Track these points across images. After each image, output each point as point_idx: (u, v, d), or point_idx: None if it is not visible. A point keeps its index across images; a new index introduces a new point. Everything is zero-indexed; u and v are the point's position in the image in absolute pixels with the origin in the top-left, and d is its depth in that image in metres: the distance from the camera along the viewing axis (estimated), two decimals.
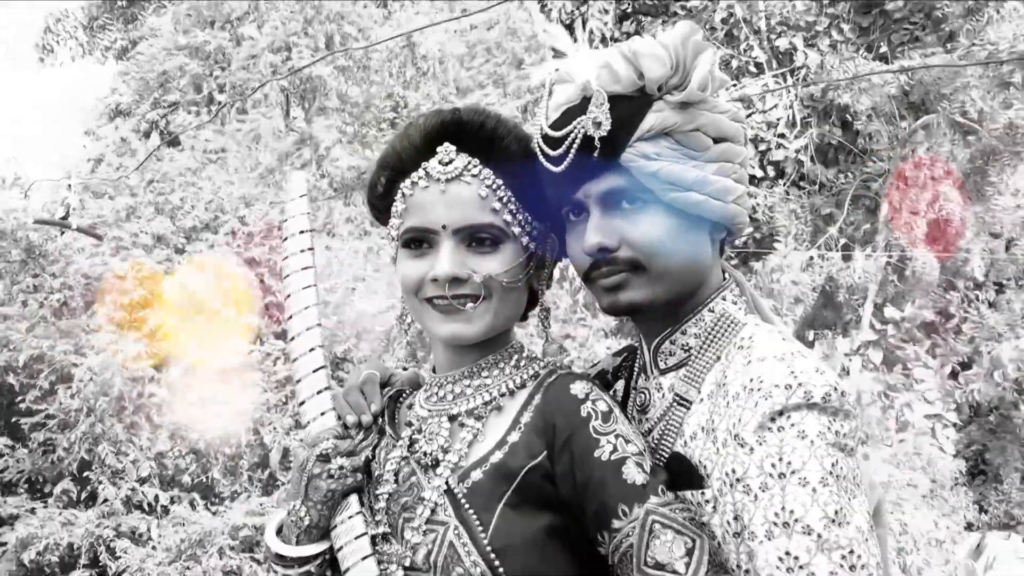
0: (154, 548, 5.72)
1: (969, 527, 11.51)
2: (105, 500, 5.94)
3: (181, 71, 11.64)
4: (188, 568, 5.68)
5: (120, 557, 5.67)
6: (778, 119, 15.03)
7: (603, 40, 14.55)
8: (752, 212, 13.65)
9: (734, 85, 14.51)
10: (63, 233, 7.09)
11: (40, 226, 6.87)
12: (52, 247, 6.71)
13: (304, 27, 11.28)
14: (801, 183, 15.38)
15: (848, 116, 14.63)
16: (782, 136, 15.11)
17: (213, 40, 11.43)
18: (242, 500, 6.10)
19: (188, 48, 11.65)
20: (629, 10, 15.32)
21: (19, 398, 6.08)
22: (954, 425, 12.00)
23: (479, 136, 1.75)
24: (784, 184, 15.10)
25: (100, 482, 6.01)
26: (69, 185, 9.35)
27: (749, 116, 14.53)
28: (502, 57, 11.77)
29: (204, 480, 6.25)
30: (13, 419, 6.10)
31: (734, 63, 14.84)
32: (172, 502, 6.07)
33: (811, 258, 14.42)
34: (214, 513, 5.97)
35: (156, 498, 6.01)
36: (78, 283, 6.52)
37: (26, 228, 6.71)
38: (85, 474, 6.09)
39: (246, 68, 11.07)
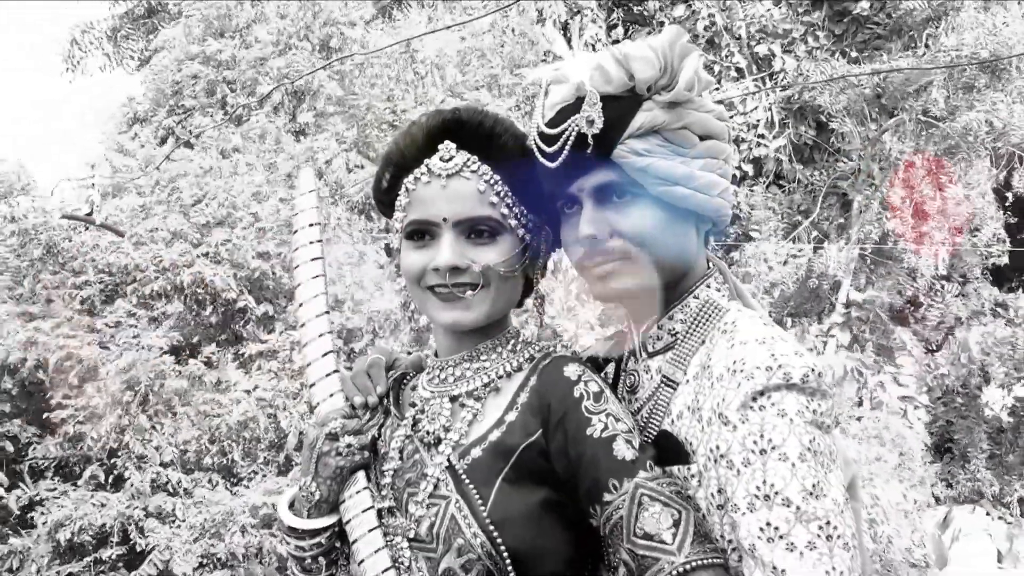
0: (179, 527, 5.73)
1: (937, 501, 11.54)
2: (132, 484, 5.95)
3: (195, 78, 11.67)
4: (212, 545, 5.70)
5: (148, 536, 5.69)
6: (758, 120, 15.06)
7: (594, 48, 14.55)
8: (736, 208, 13.71)
9: (716, 88, 14.53)
10: (87, 228, 7.08)
11: (61, 225, 6.85)
12: (70, 245, 6.69)
13: (305, 32, 11.30)
14: (780, 181, 15.42)
15: (823, 117, 14.67)
16: (761, 136, 15.14)
17: (225, 49, 11.46)
18: (259, 481, 6.11)
19: (200, 56, 11.68)
20: (619, 20, 15.35)
21: (48, 394, 6.08)
22: (925, 407, 12.04)
23: (478, 134, 1.76)
24: (764, 181, 15.14)
25: (127, 467, 6.02)
26: (93, 184, 9.37)
27: (731, 118, 14.57)
28: (496, 61, 11.76)
29: (224, 462, 6.25)
30: (43, 413, 6.09)
31: (716, 68, 14.87)
32: (195, 484, 6.08)
33: (793, 252, 14.45)
34: (234, 494, 5.98)
35: (179, 482, 6.02)
36: (98, 279, 6.50)
37: (47, 227, 6.69)
38: (112, 460, 6.09)
39: (254, 68, 11.10)
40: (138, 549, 5.65)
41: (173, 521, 5.79)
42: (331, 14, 11.49)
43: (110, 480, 6.05)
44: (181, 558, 5.53)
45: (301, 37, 11.35)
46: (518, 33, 12.73)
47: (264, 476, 6.15)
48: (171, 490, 5.97)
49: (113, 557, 5.68)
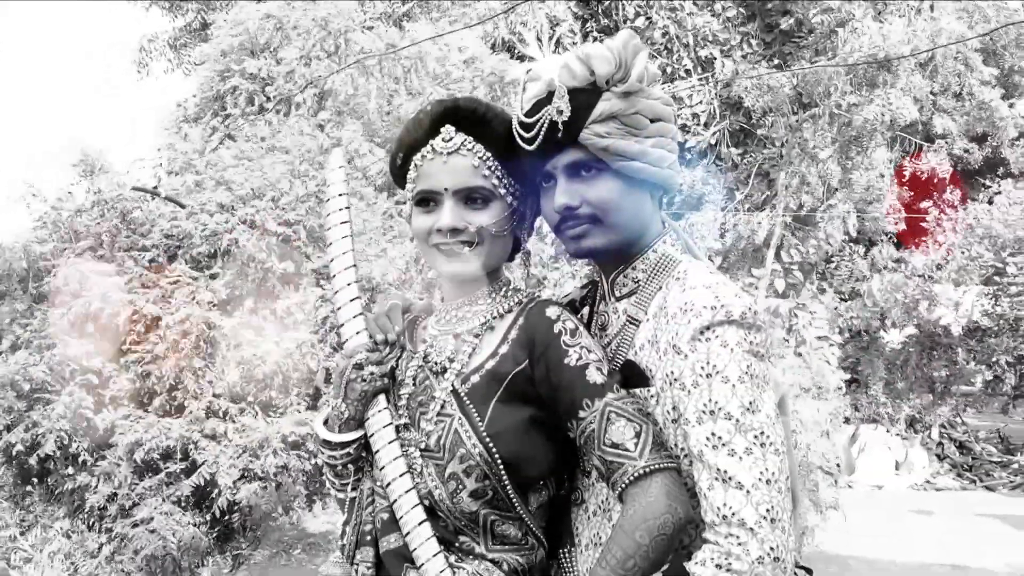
0: (226, 447, 5.77)
1: (847, 421, 11.62)
2: (190, 412, 5.97)
3: (236, 90, 11.68)
4: (250, 462, 5.74)
5: (202, 452, 5.72)
6: (702, 112, 15.06)
7: (565, 49, 14.50)
8: (681, 184, 13.73)
9: (669, 83, 14.54)
10: (154, 199, 7.05)
11: (133, 197, 6.81)
12: (140, 214, 6.67)
13: (320, 45, 11.25)
14: (718, 162, 15.43)
15: (751, 110, 14.68)
16: (704, 126, 15.14)
17: (261, 66, 11.45)
18: (291, 413, 6.13)
19: (240, 72, 11.69)
20: (592, 30, 15.31)
21: (123, 340, 6.07)
22: (838, 344, 12.09)
23: (473, 119, 1.76)
24: (705, 162, 15.15)
25: (185, 399, 6.03)
26: (160, 163, 9.37)
27: (680, 111, 14.58)
28: (490, 77, 11.68)
29: (264, 398, 6.27)
30: (119, 355, 6.10)
31: (669, 69, 14.84)
32: (241, 412, 6.10)
33: (725, 220, 14.51)
34: (268, 423, 6.01)
35: (227, 410, 6.04)
36: (161, 243, 6.49)
37: (122, 199, 6.66)
38: (174, 393, 6.10)
39: (287, 80, 11.09)
40: (196, 463, 5.69)
41: (222, 440, 5.82)
42: (337, 25, 11.42)
43: (173, 409, 6.06)
44: (225, 471, 5.57)
45: (320, 50, 11.29)
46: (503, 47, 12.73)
47: (298, 410, 6.17)
48: (221, 416, 6.00)
49: (177, 471, 5.72)
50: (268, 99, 11.28)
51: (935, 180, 14.96)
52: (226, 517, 5.93)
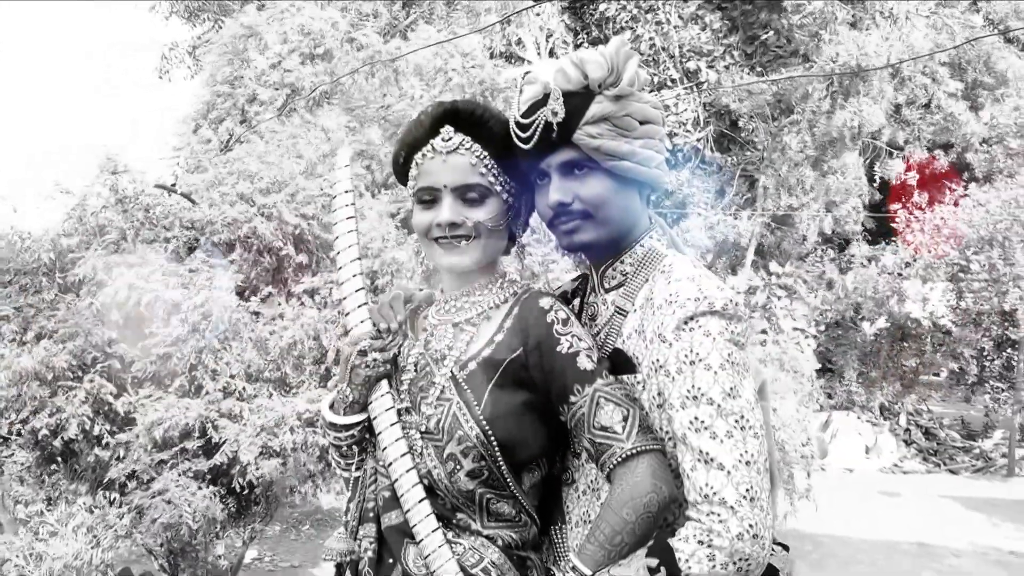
0: (244, 425, 5.74)
1: (820, 409, 11.64)
2: (207, 392, 5.95)
3: (224, 98, 11.71)
4: (269, 439, 5.72)
5: (221, 432, 5.70)
6: (687, 119, 15.05)
7: (558, 56, 14.50)
8: (668, 185, 13.73)
9: (656, 92, 14.51)
10: (171, 195, 7.05)
11: (153, 193, 6.81)
12: (162, 210, 6.66)
13: (297, 46, 11.25)
14: (702, 166, 15.43)
15: (734, 117, 14.69)
16: (689, 132, 15.13)
17: (236, 72, 11.49)
18: (304, 390, 6.11)
19: (225, 80, 11.72)
20: (583, 41, 15.32)
21: (144, 325, 6.05)
22: (814, 336, 12.10)
23: (471, 120, 1.76)
24: (691, 166, 15.15)
25: (204, 378, 6.01)
26: (178, 162, 9.38)
27: (667, 118, 14.57)
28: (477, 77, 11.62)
29: (279, 376, 6.24)
30: (141, 339, 6.08)
31: (656, 79, 14.82)
32: (255, 395, 6.08)
33: (714, 221, 14.50)
34: (284, 403, 5.99)
35: (244, 388, 6.02)
36: (182, 233, 6.48)
37: (144, 195, 6.65)
38: (193, 374, 6.08)
39: (257, 82, 11.12)
40: (213, 442, 5.66)
41: (240, 420, 5.80)
42: (313, 29, 11.42)
43: (192, 389, 6.04)
44: (246, 449, 5.55)
45: (298, 53, 11.29)
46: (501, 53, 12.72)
47: (309, 387, 6.15)
48: (239, 396, 5.98)
49: (195, 447, 5.70)
50: (248, 102, 11.28)
51: (905, 184, 15.00)
52: (244, 492, 5.91)
